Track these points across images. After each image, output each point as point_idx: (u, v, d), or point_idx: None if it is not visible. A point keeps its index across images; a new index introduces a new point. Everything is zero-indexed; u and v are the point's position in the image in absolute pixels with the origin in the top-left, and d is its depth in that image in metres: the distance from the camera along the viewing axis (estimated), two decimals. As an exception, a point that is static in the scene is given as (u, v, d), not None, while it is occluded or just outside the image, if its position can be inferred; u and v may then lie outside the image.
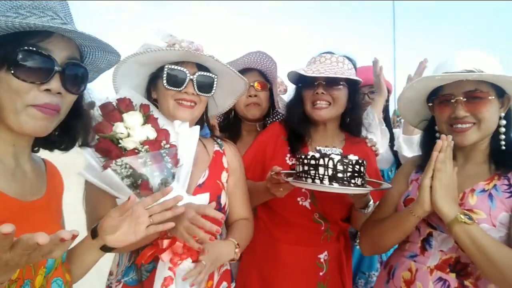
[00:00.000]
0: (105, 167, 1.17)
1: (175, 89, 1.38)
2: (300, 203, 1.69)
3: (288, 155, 1.74)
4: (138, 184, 1.18)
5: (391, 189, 1.48)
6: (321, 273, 1.71)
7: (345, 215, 1.74)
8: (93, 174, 1.21)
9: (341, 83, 1.67)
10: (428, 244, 1.33)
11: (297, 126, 1.74)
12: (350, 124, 1.78)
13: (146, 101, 1.38)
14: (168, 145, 1.25)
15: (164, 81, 1.37)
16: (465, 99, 1.27)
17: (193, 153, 1.36)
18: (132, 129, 1.22)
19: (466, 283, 1.23)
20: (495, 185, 1.25)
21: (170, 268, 1.24)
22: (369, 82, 2.17)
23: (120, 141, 1.20)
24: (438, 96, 1.35)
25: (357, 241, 2.08)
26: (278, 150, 1.76)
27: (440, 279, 1.26)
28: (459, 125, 1.28)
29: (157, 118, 1.30)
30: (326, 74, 1.61)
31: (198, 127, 1.41)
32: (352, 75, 1.68)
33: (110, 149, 1.18)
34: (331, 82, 1.65)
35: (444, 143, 1.27)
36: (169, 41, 1.38)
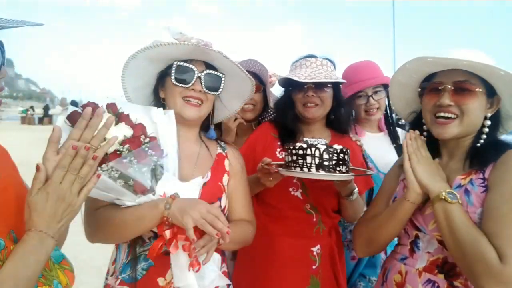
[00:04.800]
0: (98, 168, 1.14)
1: (182, 85, 1.40)
2: (292, 193, 1.77)
3: (278, 150, 1.84)
4: (131, 184, 1.19)
5: (384, 186, 1.50)
6: (314, 267, 1.75)
7: (336, 205, 1.82)
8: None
9: (328, 85, 1.79)
10: (416, 246, 1.33)
11: (291, 125, 1.85)
12: (335, 121, 1.89)
13: (110, 100, 1.30)
14: (148, 139, 1.23)
15: (173, 78, 1.40)
16: (452, 88, 1.26)
17: (175, 139, 1.34)
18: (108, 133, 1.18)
19: (456, 283, 1.22)
20: (471, 179, 1.24)
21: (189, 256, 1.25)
22: (373, 83, 2.15)
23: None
24: (428, 83, 1.34)
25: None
26: (269, 145, 1.85)
27: (429, 281, 1.26)
28: (442, 114, 1.27)
29: (128, 115, 1.25)
30: (317, 79, 1.72)
31: (172, 111, 1.37)
32: (337, 78, 1.81)
33: None
34: (319, 85, 1.76)
35: (412, 134, 1.35)
36: (179, 38, 1.40)
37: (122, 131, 1.20)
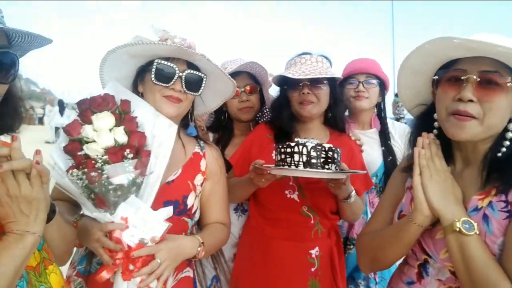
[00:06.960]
0: (68, 172, 1.13)
1: (162, 84, 1.36)
2: (288, 196, 1.75)
3: (274, 152, 1.80)
4: (93, 197, 1.14)
5: (388, 193, 1.38)
6: (312, 269, 1.74)
7: (334, 207, 1.79)
8: (56, 174, 1.16)
9: (324, 82, 1.76)
10: (425, 270, 1.18)
11: (286, 124, 1.82)
12: (333, 119, 1.86)
13: (130, 96, 1.32)
14: (132, 155, 1.15)
15: (153, 76, 1.36)
16: (478, 79, 1.03)
17: (168, 158, 1.29)
18: (99, 133, 1.14)
19: None
20: (490, 202, 1.05)
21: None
22: (365, 70, 2.20)
23: (83, 147, 1.13)
24: (448, 70, 1.10)
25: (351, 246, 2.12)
26: (265, 147, 1.83)
27: None
28: (461, 107, 1.04)
29: (135, 118, 1.23)
30: (312, 75, 1.70)
31: (175, 126, 1.36)
32: (332, 73, 1.78)
33: (75, 154, 1.13)
34: (315, 82, 1.73)
35: (425, 140, 1.16)
36: (162, 36, 1.36)
37: (116, 136, 1.15)
